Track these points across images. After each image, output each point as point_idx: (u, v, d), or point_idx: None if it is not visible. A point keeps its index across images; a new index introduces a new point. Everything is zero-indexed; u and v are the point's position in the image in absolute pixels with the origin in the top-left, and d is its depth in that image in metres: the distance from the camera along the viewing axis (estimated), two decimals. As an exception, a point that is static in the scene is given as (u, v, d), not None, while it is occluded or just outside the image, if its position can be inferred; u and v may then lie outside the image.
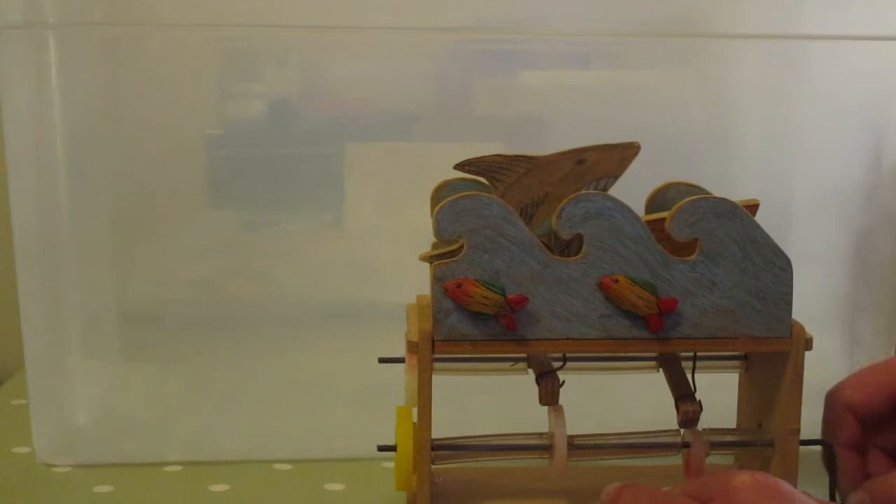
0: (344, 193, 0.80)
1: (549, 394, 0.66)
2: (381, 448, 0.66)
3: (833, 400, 0.66)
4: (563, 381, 0.66)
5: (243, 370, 0.80)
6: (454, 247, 0.62)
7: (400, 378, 0.70)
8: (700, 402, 0.67)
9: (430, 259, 0.64)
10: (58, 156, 0.75)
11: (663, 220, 0.64)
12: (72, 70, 0.75)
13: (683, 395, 0.68)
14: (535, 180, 0.65)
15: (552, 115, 0.80)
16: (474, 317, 0.62)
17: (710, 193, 0.66)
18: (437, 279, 0.62)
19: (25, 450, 0.78)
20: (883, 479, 0.63)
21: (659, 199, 0.69)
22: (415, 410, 0.65)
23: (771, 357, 0.67)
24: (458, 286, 0.61)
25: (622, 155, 0.65)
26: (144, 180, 0.78)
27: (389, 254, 0.79)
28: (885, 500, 0.61)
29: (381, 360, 0.71)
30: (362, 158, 0.79)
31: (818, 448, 0.67)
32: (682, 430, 0.67)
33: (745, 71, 0.80)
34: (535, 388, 0.67)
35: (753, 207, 0.66)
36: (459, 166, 0.65)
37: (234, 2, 0.75)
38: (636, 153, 0.65)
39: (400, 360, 0.70)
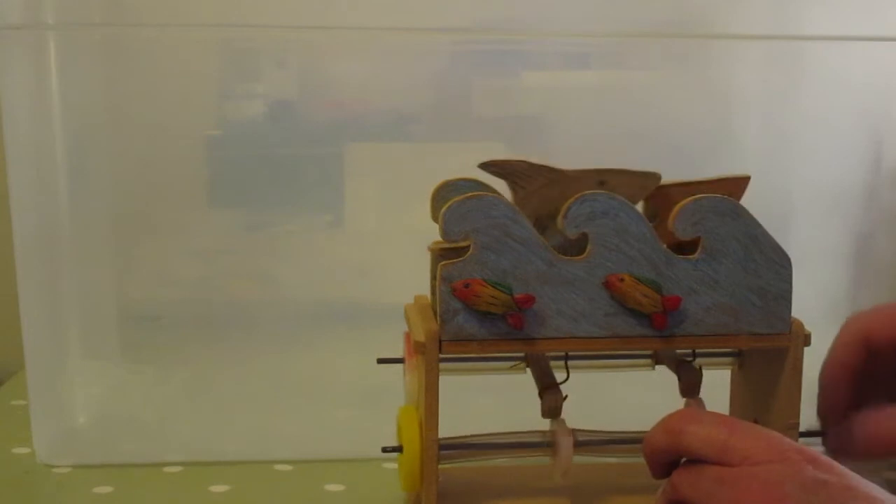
0: (344, 194, 0.80)
1: (553, 408, 0.66)
2: (386, 449, 0.66)
3: (850, 322, 0.69)
4: (567, 396, 0.67)
5: (243, 370, 0.79)
6: (464, 243, 0.62)
7: (399, 378, 0.71)
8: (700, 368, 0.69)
9: (439, 251, 0.64)
10: (58, 156, 0.75)
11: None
12: (72, 71, 0.74)
13: (681, 362, 0.70)
14: (555, 192, 0.65)
15: (552, 115, 0.80)
16: (481, 317, 0.62)
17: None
18: (444, 279, 0.62)
19: (25, 450, 0.78)
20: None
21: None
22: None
23: (766, 353, 0.67)
24: (467, 286, 0.61)
25: (643, 183, 0.66)
26: (144, 181, 0.78)
27: (389, 254, 0.79)
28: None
29: (380, 361, 0.71)
30: (362, 159, 0.79)
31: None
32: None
33: (745, 71, 0.80)
34: (533, 386, 0.68)
35: (744, 181, 0.67)
36: (484, 166, 0.66)
37: (233, 2, 0.75)
38: (656, 183, 0.66)
39: (399, 361, 0.70)
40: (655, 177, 0.66)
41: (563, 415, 0.67)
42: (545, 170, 0.66)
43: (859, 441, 0.67)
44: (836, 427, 0.69)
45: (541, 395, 0.67)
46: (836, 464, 0.54)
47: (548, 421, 0.67)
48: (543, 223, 0.66)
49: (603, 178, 0.65)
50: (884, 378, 0.69)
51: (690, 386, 0.68)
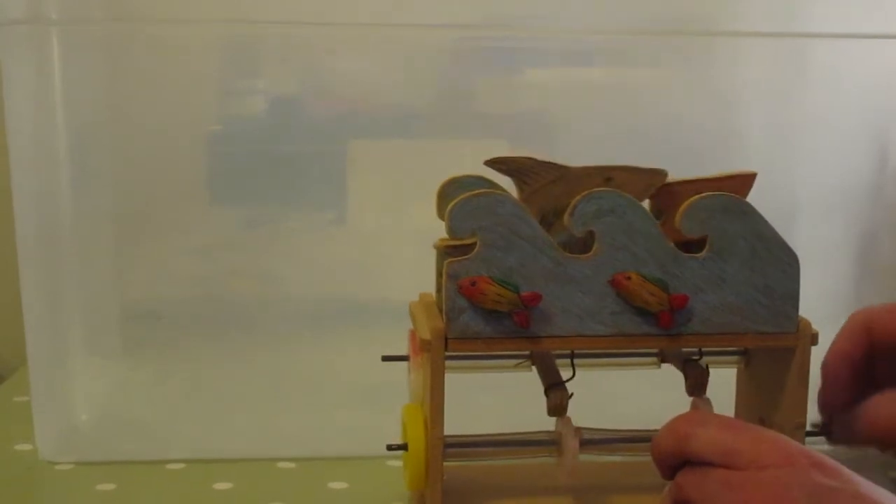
0: (346, 191, 0.80)
1: (558, 406, 0.66)
2: (391, 447, 0.66)
3: (854, 314, 0.69)
4: (572, 394, 0.67)
5: (246, 368, 0.79)
6: (470, 240, 0.62)
7: (403, 376, 0.70)
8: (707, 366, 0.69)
9: (446, 247, 0.64)
10: (60, 153, 0.74)
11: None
12: (74, 67, 0.74)
13: (688, 360, 0.69)
14: (561, 190, 0.65)
15: (556, 112, 0.80)
16: (487, 315, 0.62)
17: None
18: (450, 277, 0.62)
19: (28, 447, 0.78)
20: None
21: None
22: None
23: (773, 352, 0.67)
24: (473, 284, 0.61)
25: (649, 180, 0.65)
26: (146, 177, 0.78)
27: (392, 252, 0.79)
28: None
29: (385, 359, 0.71)
30: (365, 156, 0.79)
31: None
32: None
33: (749, 69, 0.80)
34: (538, 385, 0.68)
35: (750, 177, 0.67)
36: (490, 163, 0.65)
37: (236, -2, 0.75)
38: (663, 180, 0.66)
39: (403, 359, 0.70)
40: (662, 174, 0.66)
41: (569, 413, 0.67)
42: (551, 167, 0.66)
43: (860, 428, 0.67)
44: (838, 417, 0.68)
45: (546, 393, 0.67)
46: (843, 469, 0.53)
47: (553, 420, 0.67)
48: (549, 220, 0.66)
49: (609, 175, 0.65)
50: (884, 372, 0.69)
51: (697, 384, 0.68)
